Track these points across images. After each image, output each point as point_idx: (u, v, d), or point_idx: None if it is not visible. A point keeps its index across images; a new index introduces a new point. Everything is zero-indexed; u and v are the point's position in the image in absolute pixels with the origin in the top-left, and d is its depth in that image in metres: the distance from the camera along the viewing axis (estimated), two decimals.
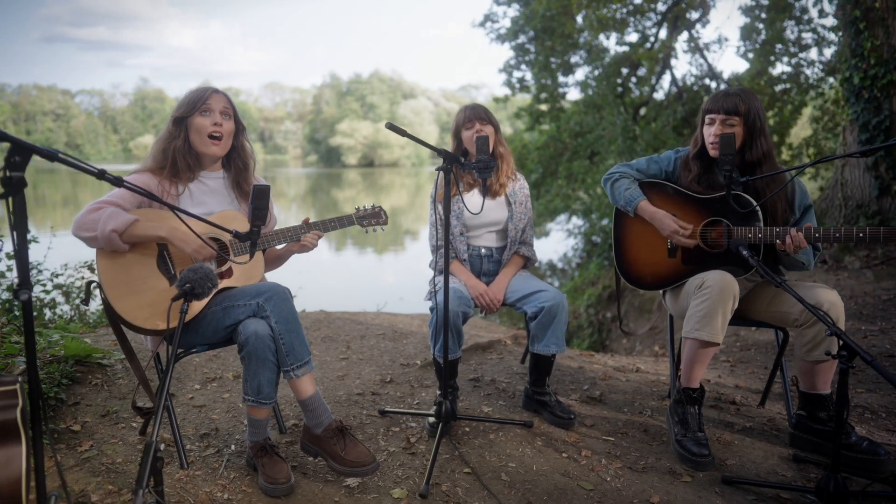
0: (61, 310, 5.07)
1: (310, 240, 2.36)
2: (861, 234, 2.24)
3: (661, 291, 2.77)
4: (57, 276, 4.87)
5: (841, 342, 1.88)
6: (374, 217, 2.55)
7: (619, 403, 2.93)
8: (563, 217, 11.69)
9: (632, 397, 3.02)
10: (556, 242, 11.90)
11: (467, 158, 2.85)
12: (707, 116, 2.48)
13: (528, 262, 2.92)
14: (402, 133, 2.12)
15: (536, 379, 2.75)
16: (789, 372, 2.79)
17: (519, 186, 2.89)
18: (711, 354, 2.39)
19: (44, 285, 4.74)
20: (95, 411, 2.63)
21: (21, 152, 1.51)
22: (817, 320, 2.29)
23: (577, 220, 11.04)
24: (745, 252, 2.22)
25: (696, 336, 2.33)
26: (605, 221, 10.05)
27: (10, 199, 1.50)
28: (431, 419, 2.56)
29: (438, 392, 2.73)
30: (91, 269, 4.75)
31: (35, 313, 4.54)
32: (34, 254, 4.90)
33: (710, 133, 2.46)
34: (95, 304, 5.13)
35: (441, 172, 2.82)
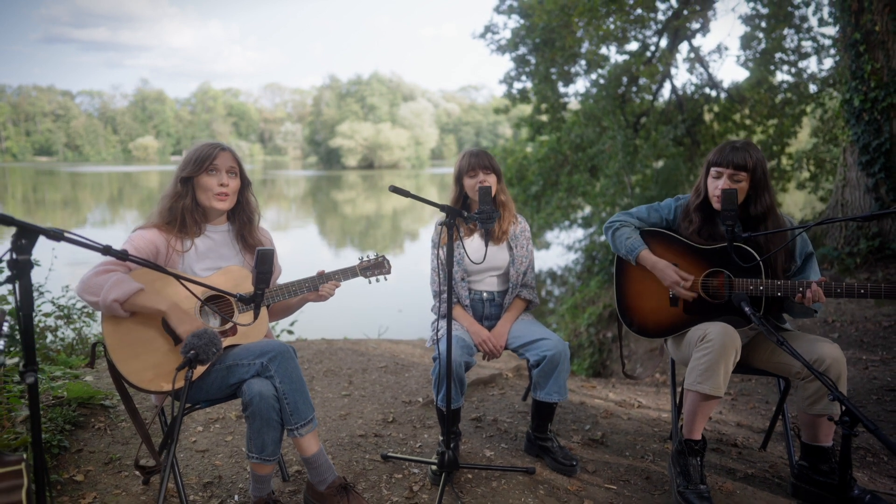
0: (63, 333, 5.07)
1: (328, 290, 2.38)
2: (890, 290, 2.22)
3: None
4: (57, 303, 4.87)
5: (843, 407, 1.88)
6: (377, 267, 2.56)
7: (621, 446, 2.94)
8: (563, 231, 11.69)
9: (633, 439, 3.02)
10: (557, 257, 11.90)
11: (468, 202, 2.86)
12: (713, 169, 2.48)
13: (530, 305, 2.93)
14: (407, 194, 2.13)
15: (538, 424, 2.76)
16: (788, 415, 2.78)
17: (520, 230, 2.89)
18: (713, 407, 2.40)
19: (47, 314, 4.75)
20: (98, 459, 2.63)
21: (27, 235, 1.52)
22: None
23: (577, 235, 11.06)
24: (747, 309, 2.21)
25: (697, 389, 2.34)
26: (603, 238, 10.05)
27: (17, 283, 1.51)
28: (434, 467, 2.56)
29: (441, 438, 2.75)
30: None
31: (37, 344, 4.54)
32: (35, 276, 4.91)
33: (716, 186, 2.46)
34: (99, 328, 5.14)
35: (440, 223, 2.86)
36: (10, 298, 4.50)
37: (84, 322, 5.23)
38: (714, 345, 2.32)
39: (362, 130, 70.10)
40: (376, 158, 69.82)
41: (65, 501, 2.32)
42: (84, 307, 5.23)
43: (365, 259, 2.57)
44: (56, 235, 1.57)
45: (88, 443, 2.74)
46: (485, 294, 2.86)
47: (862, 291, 2.25)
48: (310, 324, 5.51)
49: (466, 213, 2.37)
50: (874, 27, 5.56)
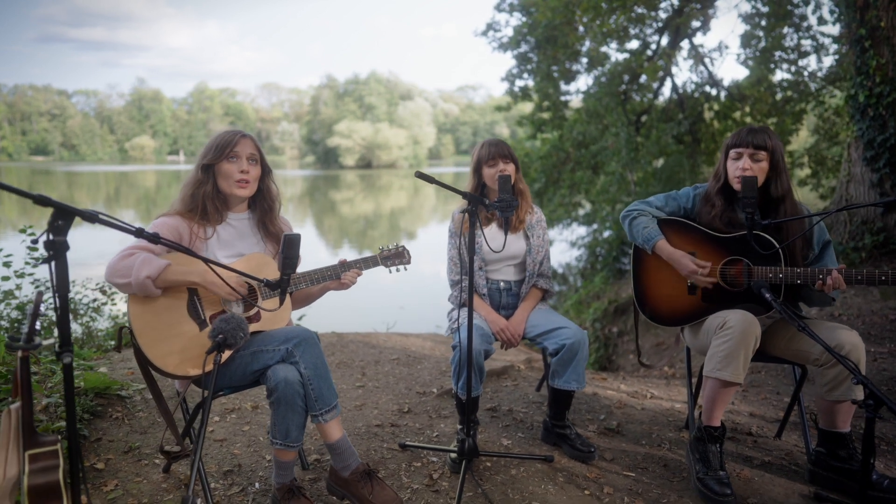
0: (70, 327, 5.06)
1: (350, 278, 2.39)
2: None
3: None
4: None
5: (867, 390, 1.90)
6: (397, 257, 2.57)
7: (637, 435, 2.95)
8: (565, 227, 11.71)
9: (649, 428, 3.04)
10: (560, 253, 11.93)
11: (485, 192, 2.87)
12: (733, 151, 2.50)
13: (546, 295, 2.94)
14: (432, 181, 2.14)
15: (556, 412, 2.77)
16: (803, 403, 2.80)
17: (536, 219, 2.91)
18: (732, 393, 2.41)
19: (55, 309, 4.72)
20: (118, 447, 2.63)
21: (64, 216, 1.52)
22: (837, 362, 2.31)
23: (580, 231, 11.09)
24: (767, 295, 2.24)
25: (717, 376, 2.35)
26: (606, 233, 10.08)
27: (54, 263, 1.51)
28: (453, 455, 2.57)
29: (459, 426, 2.75)
30: (102, 290, 4.75)
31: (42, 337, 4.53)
32: (41, 271, 4.91)
33: (736, 167, 2.48)
34: (106, 323, 5.14)
35: (460, 208, 2.86)
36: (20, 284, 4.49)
37: (91, 317, 5.24)
38: (734, 331, 2.33)
39: (360, 130, 70.05)
40: (374, 158, 69.78)
41: (87, 489, 2.32)
42: (91, 302, 5.23)
43: (386, 249, 2.58)
44: (91, 217, 1.58)
45: (107, 432, 2.74)
46: (502, 283, 2.87)
47: (883, 278, 2.27)
48: (315, 319, 5.51)
49: (487, 201, 2.38)
50: (879, 23, 5.59)
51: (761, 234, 2.45)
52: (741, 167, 2.46)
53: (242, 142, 2.27)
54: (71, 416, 1.57)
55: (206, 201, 2.24)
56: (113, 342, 4.35)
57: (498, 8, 12.50)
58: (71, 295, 5.15)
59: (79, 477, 1.59)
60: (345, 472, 2.22)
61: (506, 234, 2.63)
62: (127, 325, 2.09)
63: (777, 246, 2.41)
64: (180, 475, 2.45)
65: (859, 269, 2.32)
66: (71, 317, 5.12)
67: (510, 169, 2.74)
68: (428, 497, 2.37)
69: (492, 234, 2.83)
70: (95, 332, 4.92)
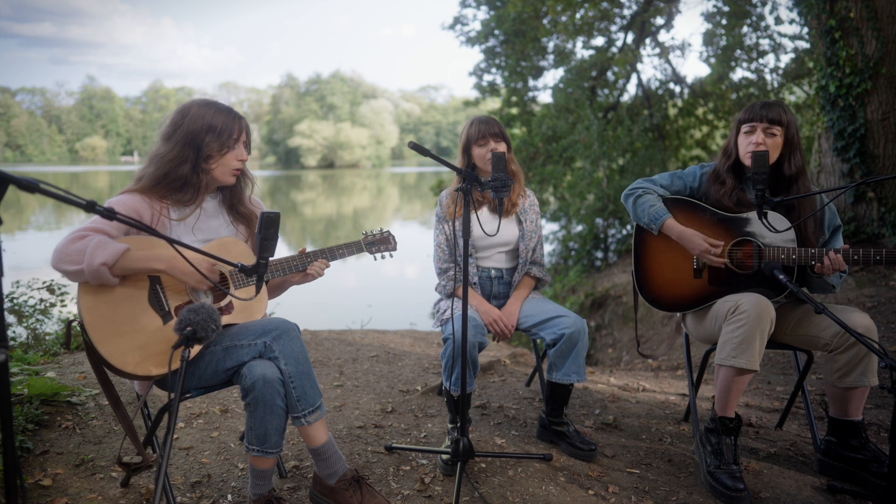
0: (13, 331, 4.65)
1: (316, 269, 2.15)
2: None
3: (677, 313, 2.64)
4: (11, 298, 4.46)
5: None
6: (382, 243, 2.36)
7: (636, 430, 2.80)
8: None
9: (647, 422, 2.89)
10: None
11: (475, 172, 2.67)
12: (745, 125, 2.37)
13: (540, 284, 2.77)
14: (426, 153, 1.94)
15: (553, 408, 2.59)
16: (808, 391, 2.69)
17: (529, 203, 2.73)
18: (747, 381, 2.28)
19: None
20: (68, 460, 2.33)
21: None
22: (850, 346, 2.20)
23: (552, 227, 11.01)
24: (781, 276, 2.11)
25: (732, 364, 2.20)
26: (579, 227, 10.02)
27: None
28: (445, 456, 2.37)
29: (450, 425, 2.56)
30: (50, 289, 4.37)
31: None
32: None
33: (749, 142, 2.35)
34: (54, 326, 4.74)
35: (448, 192, 2.66)
36: None
37: (38, 319, 4.82)
38: (748, 316, 2.19)
39: (322, 130, 69.06)
40: (336, 158, 68.93)
41: None
42: (37, 303, 4.82)
43: (370, 234, 2.36)
44: (30, 186, 1.32)
45: (55, 443, 2.44)
46: (493, 271, 2.68)
47: (878, 258, 2.17)
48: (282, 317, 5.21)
49: (483, 180, 2.18)
50: (849, 14, 5.64)
51: (774, 213, 2.33)
52: (754, 142, 2.33)
53: (241, 126, 2.04)
54: (7, 426, 1.30)
55: (183, 181, 1.97)
56: (63, 345, 3.98)
57: (463, 3, 12.35)
58: (15, 296, 4.74)
59: (16, 497, 1.33)
60: (331, 479, 1.98)
61: (499, 217, 2.44)
62: (77, 319, 1.82)
63: (790, 224, 2.29)
64: (141, 489, 2.18)
65: (855, 250, 2.21)
66: (15, 319, 4.71)
67: (502, 148, 2.55)
68: (420, 503, 2.16)
69: (484, 218, 2.65)
70: (42, 335, 4.52)
